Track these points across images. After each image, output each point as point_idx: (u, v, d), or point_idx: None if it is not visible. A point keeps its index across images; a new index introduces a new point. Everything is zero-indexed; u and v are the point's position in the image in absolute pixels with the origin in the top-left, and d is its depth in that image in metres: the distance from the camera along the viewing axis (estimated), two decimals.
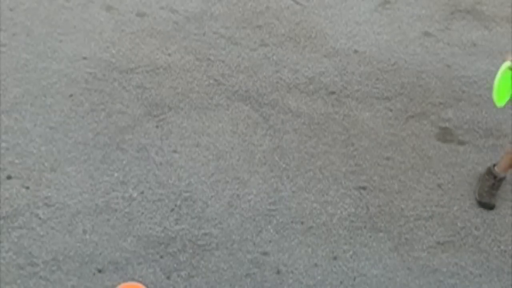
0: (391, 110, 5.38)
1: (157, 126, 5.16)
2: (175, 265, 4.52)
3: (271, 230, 4.73)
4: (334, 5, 6.06)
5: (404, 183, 5.00)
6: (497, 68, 5.73)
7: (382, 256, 4.66)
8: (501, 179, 4.93)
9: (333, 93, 5.46)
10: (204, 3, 5.96)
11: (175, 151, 5.05)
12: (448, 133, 5.25)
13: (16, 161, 4.89)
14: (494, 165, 4.95)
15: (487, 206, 4.88)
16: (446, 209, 4.91)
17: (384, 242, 4.72)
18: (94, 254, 4.52)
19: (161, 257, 4.54)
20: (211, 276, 4.49)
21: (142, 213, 4.73)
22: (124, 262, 4.50)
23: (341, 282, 4.54)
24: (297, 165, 5.04)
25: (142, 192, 4.82)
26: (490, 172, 4.93)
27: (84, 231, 4.61)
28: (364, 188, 4.94)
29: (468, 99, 5.52)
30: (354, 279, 4.56)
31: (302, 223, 4.77)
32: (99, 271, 4.45)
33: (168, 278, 4.46)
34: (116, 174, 4.89)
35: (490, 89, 5.56)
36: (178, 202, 4.80)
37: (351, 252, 4.67)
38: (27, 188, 4.77)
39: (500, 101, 4.25)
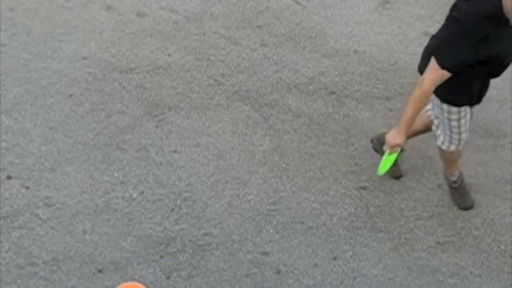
0: (391, 110, 5.38)
1: (157, 126, 5.17)
2: (175, 265, 4.52)
3: (271, 230, 4.73)
4: (334, 5, 6.05)
5: (404, 183, 5.00)
6: None
7: (382, 256, 4.66)
8: (457, 181, 4.84)
9: (333, 93, 5.46)
10: (204, 3, 5.96)
11: (175, 151, 5.05)
12: None
13: (16, 161, 4.89)
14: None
15: (467, 208, 4.85)
16: (446, 209, 4.91)
17: (384, 242, 4.73)
18: (94, 254, 4.52)
19: (161, 257, 4.54)
20: (211, 276, 4.50)
21: (142, 213, 4.73)
22: (124, 262, 4.50)
23: (341, 282, 4.54)
24: (297, 165, 5.04)
25: (142, 192, 4.82)
26: (446, 178, 4.87)
27: (84, 231, 4.61)
28: (364, 188, 4.94)
29: None
30: (354, 279, 4.56)
31: (302, 223, 4.77)
32: (99, 271, 4.45)
33: (168, 278, 4.46)
34: (116, 174, 4.89)
35: (490, 89, 5.55)
36: (178, 202, 4.80)
37: (351, 252, 4.67)
38: (27, 188, 4.77)
39: (381, 171, 4.43)
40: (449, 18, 4.09)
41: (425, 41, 5.86)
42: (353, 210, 4.84)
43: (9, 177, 4.80)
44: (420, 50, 4.57)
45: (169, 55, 5.58)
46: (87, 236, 4.59)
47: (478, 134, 5.30)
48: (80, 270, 4.45)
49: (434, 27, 5.98)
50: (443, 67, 4.02)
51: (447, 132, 4.49)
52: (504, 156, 5.17)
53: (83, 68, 5.44)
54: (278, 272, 4.55)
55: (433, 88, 4.08)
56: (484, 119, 5.39)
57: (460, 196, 4.87)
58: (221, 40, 5.72)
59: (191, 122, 5.21)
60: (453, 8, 4.12)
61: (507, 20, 3.88)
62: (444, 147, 4.59)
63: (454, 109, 4.34)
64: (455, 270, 4.63)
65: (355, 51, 5.72)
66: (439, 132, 4.57)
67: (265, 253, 4.62)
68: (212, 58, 5.60)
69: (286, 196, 4.89)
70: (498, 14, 3.87)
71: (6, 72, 5.34)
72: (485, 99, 5.53)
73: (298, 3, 6.04)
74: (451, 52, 3.99)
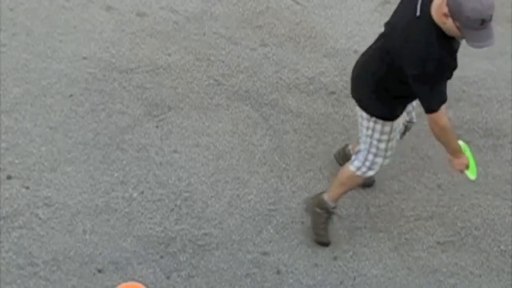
0: None
1: (157, 126, 5.17)
2: (175, 265, 4.52)
3: (271, 230, 4.73)
4: (334, 5, 6.06)
5: (404, 183, 5.01)
6: (497, 68, 5.74)
7: (382, 256, 4.66)
8: (335, 208, 4.62)
9: (333, 93, 5.46)
10: (204, 3, 5.96)
11: (175, 151, 5.05)
12: None
13: (16, 161, 4.89)
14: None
15: (325, 244, 4.66)
16: (446, 209, 4.91)
17: (384, 242, 4.73)
18: (94, 254, 4.52)
19: (161, 257, 4.54)
20: (211, 276, 4.50)
21: (142, 213, 4.73)
22: (124, 262, 4.50)
23: (341, 282, 4.54)
24: (297, 165, 5.04)
25: (142, 192, 4.82)
26: (323, 203, 4.61)
27: (84, 231, 4.62)
28: (364, 188, 4.94)
29: (468, 99, 5.52)
30: (354, 279, 4.56)
31: (302, 223, 4.77)
32: (99, 271, 4.45)
33: (168, 278, 4.46)
34: (116, 174, 4.90)
35: (490, 89, 5.56)
36: (178, 202, 4.80)
37: (351, 252, 4.67)
38: (27, 188, 4.77)
39: (472, 174, 4.30)
40: (414, 75, 3.97)
41: None
42: (353, 210, 4.84)
43: (9, 177, 4.80)
44: None
45: (169, 55, 5.58)
46: (87, 236, 4.59)
47: (478, 134, 5.31)
48: (80, 270, 4.45)
49: None
50: (441, 105, 4.05)
51: (370, 156, 4.33)
52: (504, 156, 5.18)
53: (83, 68, 5.44)
54: (278, 272, 4.55)
55: (447, 119, 4.09)
56: (484, 119, 5.40)
57: (325, 227, 4.65)
58: (221, 40, 5.72)
59: (191, 122, 5.21)
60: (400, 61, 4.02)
61: (453, 38, 3.91)
62: (359, 173, 4.40)
63: (387, 128, 4.23)
64: (455, 270, 4.63)
65: (355, 51, 5.72)
66: (357, 158, 4.41)
67: (265, 253, 4.63)
68: (212, 58, 5.60)
69: (286, 196, 4.89)
70: (446, 41, 3.89)
71: (6, 72, 5.34)
72: (485, 99, 5.55)
73: (298, 3, 6.04)
74: (438, 95, 4.02)
